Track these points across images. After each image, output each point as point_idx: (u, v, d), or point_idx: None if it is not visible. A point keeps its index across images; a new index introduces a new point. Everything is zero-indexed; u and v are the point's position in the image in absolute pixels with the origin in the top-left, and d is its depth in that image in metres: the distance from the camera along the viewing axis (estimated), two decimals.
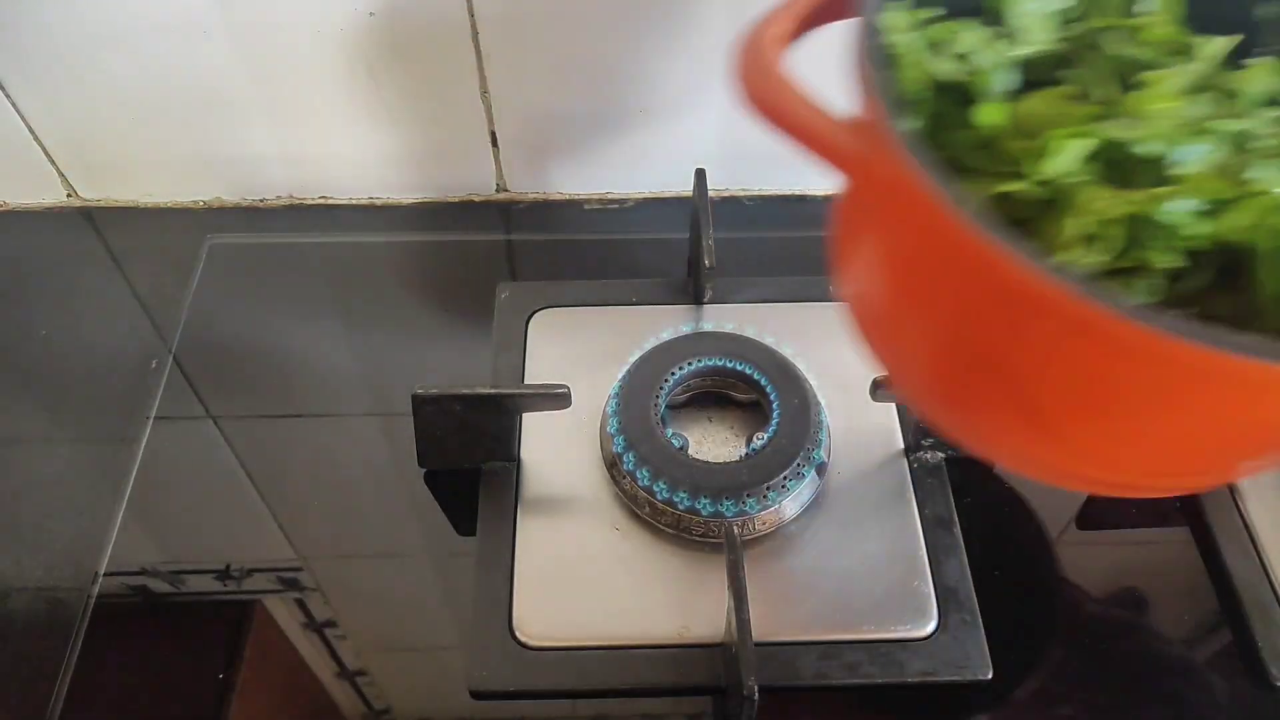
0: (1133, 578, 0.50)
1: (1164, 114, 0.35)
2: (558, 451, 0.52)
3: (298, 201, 0.67)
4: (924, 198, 0.29)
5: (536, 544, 0.49)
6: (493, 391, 0.49)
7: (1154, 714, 0.46)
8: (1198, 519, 0.51)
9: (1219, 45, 0.38)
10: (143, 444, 0.55)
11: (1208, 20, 0.40)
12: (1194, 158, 0.34)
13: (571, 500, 0.51)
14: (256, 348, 0.60)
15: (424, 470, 0.53)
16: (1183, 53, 0.39)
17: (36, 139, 0.62)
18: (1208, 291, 0.34)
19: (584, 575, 0.48)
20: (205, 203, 0.67)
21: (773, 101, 0.33)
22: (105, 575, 0.50)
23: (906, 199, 0.30)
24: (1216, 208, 0.33)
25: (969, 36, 0.38)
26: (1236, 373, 0.27)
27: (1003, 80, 0.37)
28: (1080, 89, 0.37)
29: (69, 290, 0.63)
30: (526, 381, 0.55)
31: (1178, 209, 0.33)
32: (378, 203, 0.66)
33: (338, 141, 0.63)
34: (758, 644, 0.42)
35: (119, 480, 0.54)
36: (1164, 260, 0.33)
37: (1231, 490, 0.52)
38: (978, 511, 0.52)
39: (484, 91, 0.60)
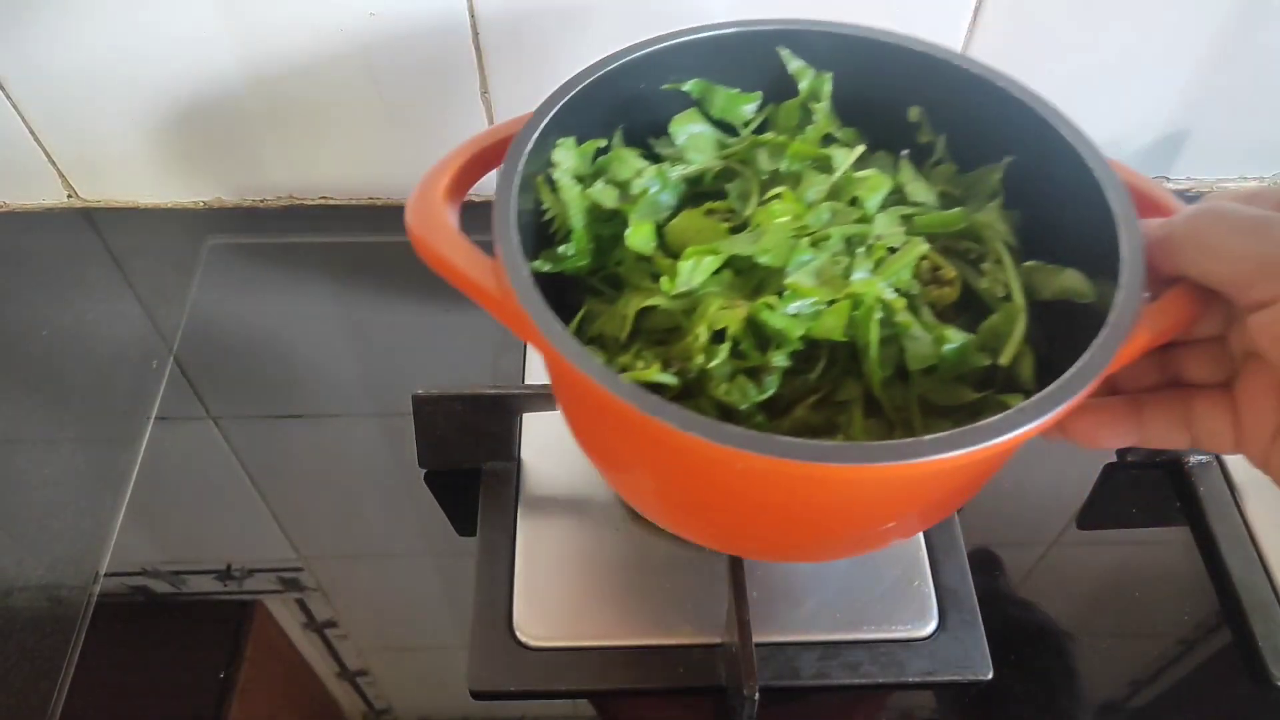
0: (1133, 577, 0.50)
1: (781, 227, 0.38)
2: (558, 451, 0.52)
3: (298, 202, 0.67)
4: (535, 333, 0.33)
5: (537, 544, 0.49)
6: (493, 391, 0.49)
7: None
8: (1198, 519, 0.51)
9: (848, 157, 0.42)
10: (143, 444, 0.55)
11: (873, 122, 0.45)
12: (803, 266, 0.37)
13: (572, 500, 0.51)
14: (257, 348, 0.60)
15: (424, 470, 0.53)
16: (823, 165, 0.42)
17: (37, 139, 0.62)
18: (838, 379, 0.38)
19: (584, 575, 0.48)
20: (205, 203, 0.68)
21: (437, 252, 0.37)
22: (106, 575, 0.50)
23: (529, 334, 0.34)
24: (819, 311, 0.37)
25: (629, 164, 0.42)
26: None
27: (657, 203, 0.41)
28: (730, 204, 0.41)
29: (69, 291, 0.63)
30: (526, 382, 0.55)
31: (781, 314, 0.36)
32: (378, 203, 0.66)
33: (338, 142, 0.63)
34: (758, 644, 0.42)
35: (120, 480, 0.54)
36: (777, 359, 0.37)
37: (1231, 490, 0.52)
38: (978, 511, 0.52)
39: (484, 91, 0.60)
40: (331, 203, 0.67)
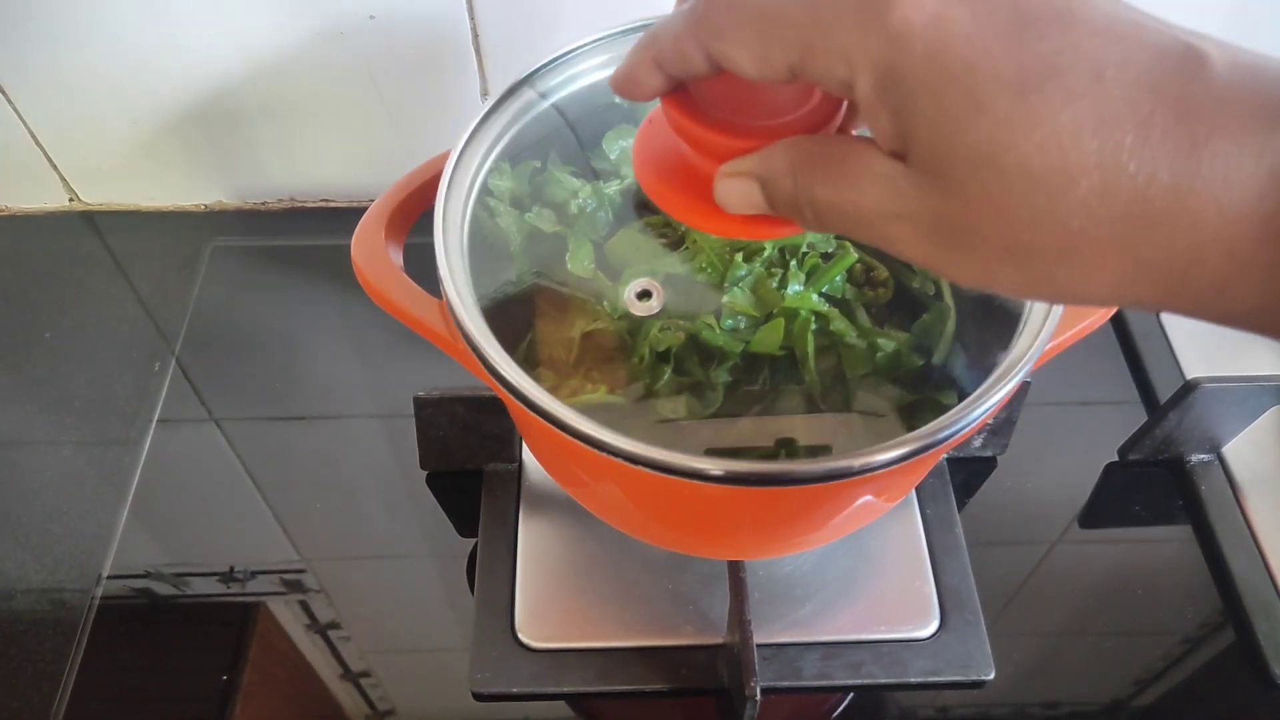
0: (1135, 576, 0.50)
1: (715, 243, 0.39)
2: None
3: (299, 204, 0.67)
4: (486, 375, 0.35)
5: (538, 545, 0.49)
6: (494, 393, 0.49)
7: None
8: (1200, 517, 0.51)
9: None
10: (146, 446, 0.55)
11: None
12: (738, 282, 0.39)
13: (573, 502, 0.50)
14: (259, 350, 0.60)
15: (426, 472, 0.53)
16: None
17: (38, 143, 0.63)
18: (779, 387, 0.40)
19: (586, 576, 0.48)
20: (207, 206, 0.68)
21: (381, 288, 0.38)
22: (109, 577, 0.50)
23: (480, 374, 0.36)
24: (756, 326, 0.38)
25: (564, 185, 0.43)
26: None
27: (595, 220, 0.42)
28: (666, 218, 0.42)
29: (72, 294, 0.63)
30: None
31: (720, 332, 0.38)
32: None
33: (339, 144, 0.63)
34: (759, 644, 0.42)
35: (123, 482, 0.54)
36: (719, 375, 0.38)
37: (1233, 488, 0.52)
38: (979, 511, 0.52)
39: (484, 93, 0.60)
40: (333, 205, 0.67)
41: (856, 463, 0.32)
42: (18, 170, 0.64)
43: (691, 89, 0.29)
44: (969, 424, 0.33)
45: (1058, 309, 0.36)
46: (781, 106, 0.28)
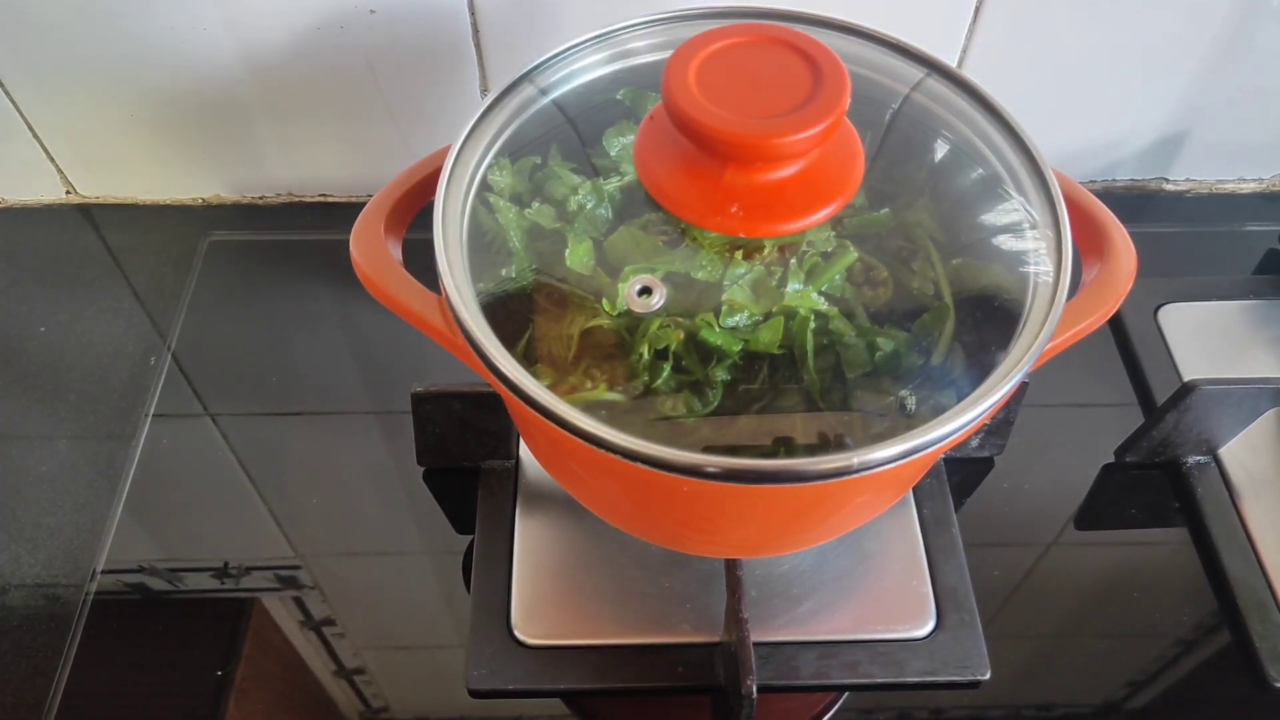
0: (1130, 578, 0.50)
1: (715, 241, 0.39)
2: None
3: (297, 199, 0.67)
4: (486, 372, 0.35)
5: (535, 542, 0.49)
6: (491, 389, 0.49)
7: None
8: (1196, 520, 0.51)
9: None
10: (141, 441, 0.55)
11: None
12: (738, 280, 0.38)
13: (570, 499, 0.51)
14: (255, 345, 0.60)
15: (422, 469, 0.53)
16: None
17: (35, 135, 0.62)
18: (778, 385, 0.39)
19: (582, 574, 0.48)
20: (204, 200, 0.67)
21: (380, 283, 0.38)
22: (103, 572, 0.50)
23: (480, 370, 0.36)
24: (756, 324, 0.38)
25: (564, 181, 0.42)
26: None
27: (595, 217, 0.42)
28: (664, 216, 0.41)
29: (67, 287, 0.63)
30: None
31: (720, 331, 0.38)
32: None
33: (337, 139, 0.63)
34: (756, 643, 0.42)
35: (117, 477, 0.54)
36: (718, 373, 0.38)
37: (1229, 491, 0.52)
38: (976, 511, 0.52)
39: (484, 90, 0.60)
40: (331, 200, 0.67)
41: (855, 461, 0.32)
42: (15, 162, 0.64)
43: (695, 86, 0.29)
44: (967, 424, 0.33)
45: (1057, 309, 0.36)
46: (785, 101, 0.28)
